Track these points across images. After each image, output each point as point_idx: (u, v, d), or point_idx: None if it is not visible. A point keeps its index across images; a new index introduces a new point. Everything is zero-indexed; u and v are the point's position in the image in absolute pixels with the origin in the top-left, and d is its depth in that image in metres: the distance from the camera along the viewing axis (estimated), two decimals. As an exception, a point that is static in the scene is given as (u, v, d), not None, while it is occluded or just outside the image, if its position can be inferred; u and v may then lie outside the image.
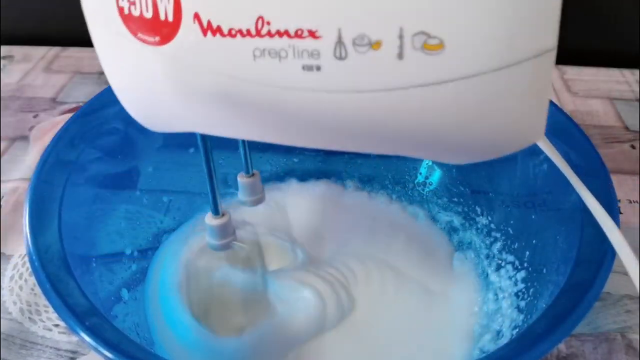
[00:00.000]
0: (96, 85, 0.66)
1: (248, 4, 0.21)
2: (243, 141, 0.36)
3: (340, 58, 0.21)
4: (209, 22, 0.22)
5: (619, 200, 0.49)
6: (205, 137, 0.32)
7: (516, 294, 0.39)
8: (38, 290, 0.46)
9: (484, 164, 0.43)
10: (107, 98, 0.43)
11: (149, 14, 0.23)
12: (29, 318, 0.44)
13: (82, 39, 0.72)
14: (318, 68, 0.21)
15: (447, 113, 0.21)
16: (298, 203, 0.49)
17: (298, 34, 0.21)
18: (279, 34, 0.21)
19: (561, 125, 0.37)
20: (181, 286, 0.41)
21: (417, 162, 0.48)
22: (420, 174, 0.48)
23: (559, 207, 0.37)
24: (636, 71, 0.67)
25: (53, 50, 0.72)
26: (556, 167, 0.36)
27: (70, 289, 0.32)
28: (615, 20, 0.67)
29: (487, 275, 0.42)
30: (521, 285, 0.39)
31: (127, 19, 0.24)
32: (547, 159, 0.38)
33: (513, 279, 0.40)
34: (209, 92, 0.24)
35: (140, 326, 0.39)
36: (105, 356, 0.28)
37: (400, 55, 0.20)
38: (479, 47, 0.19)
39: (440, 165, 0.47)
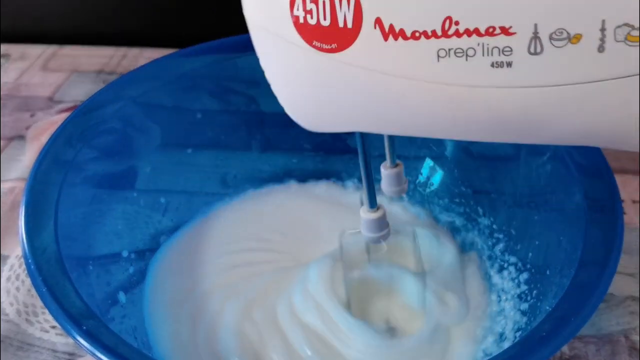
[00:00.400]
0: (94, 83, 0.65)
1: (436, 5, 0.21)
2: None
3: (535, 53, 0.21)
4: (391, 26, 0.22)
5: (623, 201, 0.49)
6: (363, 134, 0.32)
7: (519, 296, 0.38)
8: (34, 291, 0.46)
9: (485, 164, 0.43)
10: (104, 97, 0.43)
11: (326, 22, 0.23)
12: (26, 319, 0.44)
13: (79, 37, 0.73)
14: (509, 64, 0.21)
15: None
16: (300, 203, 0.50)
17: (489, 32, 0.21)
18: (468, 32, 0.21)
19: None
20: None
21: (418, 162, 0.48)
22: (422, 174, 0.48)
23: (562, 207, 0.36)
24: None
25: (50, 49, 0.72)
26: (559, 166, 0.36)
27: (66, 291, 0.32)
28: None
29: (490, 276, 0.42)
30: (524, 287, 0.38)
31: (302, 27, 0.24)
32: (551, 159, 0.37)
33: (516, 280, 0.40)
34: (386, 94, 0.24)
35: (137, 330, 0.39)
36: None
37: (601, 48, 0.20)
38: None
39: (442, 165, 0.47)
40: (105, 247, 0.41)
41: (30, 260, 0.32)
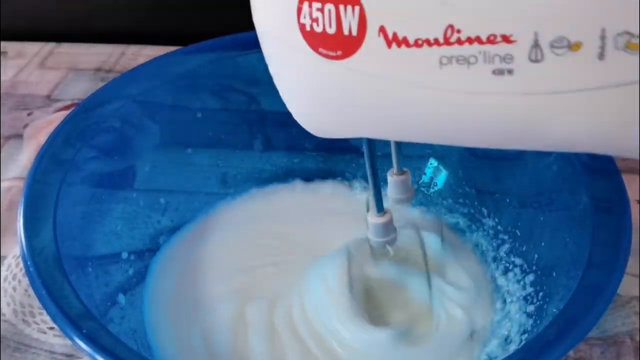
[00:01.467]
0: (92, 81, 0.65)
1: (438, 14, 0.22)
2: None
3: (535, 61, 0.21)
4: (394, 34, 0.23)
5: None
6: (370, 140, 0.32)
7: (525, 298, 0.38)
8: (32, 291, 0.45)
9: (490, 164, 0.43)
10: (103, 96, 0.43)
11: (332, 30, 0.24)
12: (23, 320, 0.44)
13: (77, 34, 0.72)
14: (510, 72, 0.22)
15: None
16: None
17: (490, 40, 0.21)
18: (470, 40, 0.22)
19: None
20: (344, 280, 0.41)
21: (421, 162, 0.48)
22: (425, 174, 0.47)
23: (569, 208, 0.36)
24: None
25: (47, 46, 0.72)
26: (566, 166, 0.36)
27: (65, 292, 0.31)
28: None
29: (495, 278, 0.42)
30: (530, 289, 0.38)
31: (309, 35, 0.25)
32: (557, 159, 0.37)
33: (521, 282, 0.39)
34: (389, 100, 0.25)
35: (137, 331, 0.38)
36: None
37: (601, 56, 0.20)
38: None
39: (446, 165, 0.47)
40: (104, 248, 0.41)
41: (28, 261, 0.32)
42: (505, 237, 0.42)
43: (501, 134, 0.24)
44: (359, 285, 0.41)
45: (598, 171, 0.35)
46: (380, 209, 0.36)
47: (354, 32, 0.23)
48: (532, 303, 0.37)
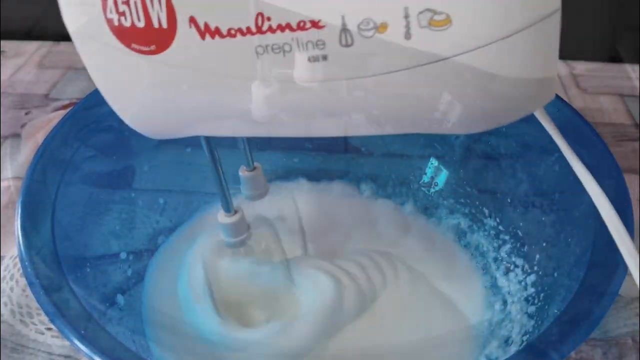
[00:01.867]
0: (90, 81, 0.62)
1: (246, 2, 0.21)
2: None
3: (347, 45, 0.21)
4: (206, 25, 0.22)
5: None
6: (208, 137, 0.32)
7: (526, 299, 0.38)
8: (30, 292, 0.45)
9: (491, 164, 0.43)
10: (101, 95, 0.42)
11: (141, 24, 0.23)
12: (21, 320, 0.43)
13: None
14: (324, 57, 0.22)
15: (459, 84, 0.21)
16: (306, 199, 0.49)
17: (301, 26, 0.21)
18: (281, 28, 0.21)
19: (572, 124, 0.37)
20: (202, 286, 0.40)
21: (422, 161, 0.47)
22: (426, 174, 0.47)
23: (571, 208, 0.36)
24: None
25: (45, 46, 0.71)
26: (568, 167, 0.36)
27: (63, 293, 0.31)
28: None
29: (496, 279, 0.41)
30: (531, 290, 0.38)
31: (118, 30, 0.24)
32: (559, 159, 0.37)
33: (523, 283, 0.39)
34: (212, 94, 0.24)
35: (136, 332, 0.38)
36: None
37: (407, 35, 0.20)
38: (486, 18, 0.20)
39: (446, 165, 0.47)
40: (102, 248, 0.40)
41: (26, 262, 0.32)
42: (507, 238, 0.42)
43: (332, 120, 0.24)
44: (220, 288, 0.40)
45: (600, 172, 0.34)
46: (228, 208, 0.35)
47: (164, 25, 0.23)
48: (533, 304, 0.37)
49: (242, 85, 0.23)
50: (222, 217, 0.35)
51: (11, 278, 0.46)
